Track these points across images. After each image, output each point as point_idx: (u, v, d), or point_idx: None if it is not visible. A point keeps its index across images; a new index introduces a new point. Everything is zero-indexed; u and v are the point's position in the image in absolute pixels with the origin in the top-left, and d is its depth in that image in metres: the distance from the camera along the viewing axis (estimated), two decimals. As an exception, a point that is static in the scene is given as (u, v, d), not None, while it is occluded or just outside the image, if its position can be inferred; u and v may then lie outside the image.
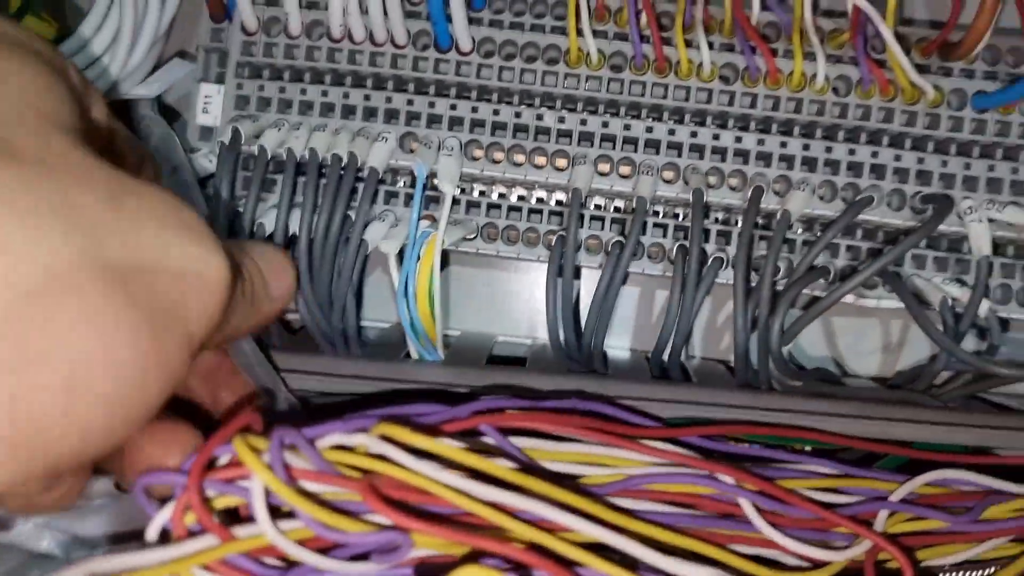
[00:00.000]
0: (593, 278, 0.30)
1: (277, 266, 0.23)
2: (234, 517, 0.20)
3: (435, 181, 0.29)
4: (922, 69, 0.29)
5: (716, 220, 0.31)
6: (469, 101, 0.30)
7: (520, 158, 0.30)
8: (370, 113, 0.30)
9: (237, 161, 0.29)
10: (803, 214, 0.29)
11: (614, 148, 0.30)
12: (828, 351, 0.33)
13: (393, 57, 0.30)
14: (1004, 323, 0.31)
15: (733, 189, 0.29)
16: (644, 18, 0.29)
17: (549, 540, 0.20)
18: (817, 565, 0.24)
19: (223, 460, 0.20)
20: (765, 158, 0.29)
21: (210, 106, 0.31)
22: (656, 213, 0.31)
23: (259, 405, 0.25)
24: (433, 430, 0.21)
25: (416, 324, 0.29)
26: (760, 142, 0.29)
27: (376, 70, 0.30)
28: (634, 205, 0.28)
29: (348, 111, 0.30)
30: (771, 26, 0.30)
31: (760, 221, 0.30)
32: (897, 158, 0.29)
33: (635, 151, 0.30)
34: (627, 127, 0.30)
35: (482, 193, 0.32)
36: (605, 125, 0.30)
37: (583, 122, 0.30)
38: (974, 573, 0.25)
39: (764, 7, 0.29)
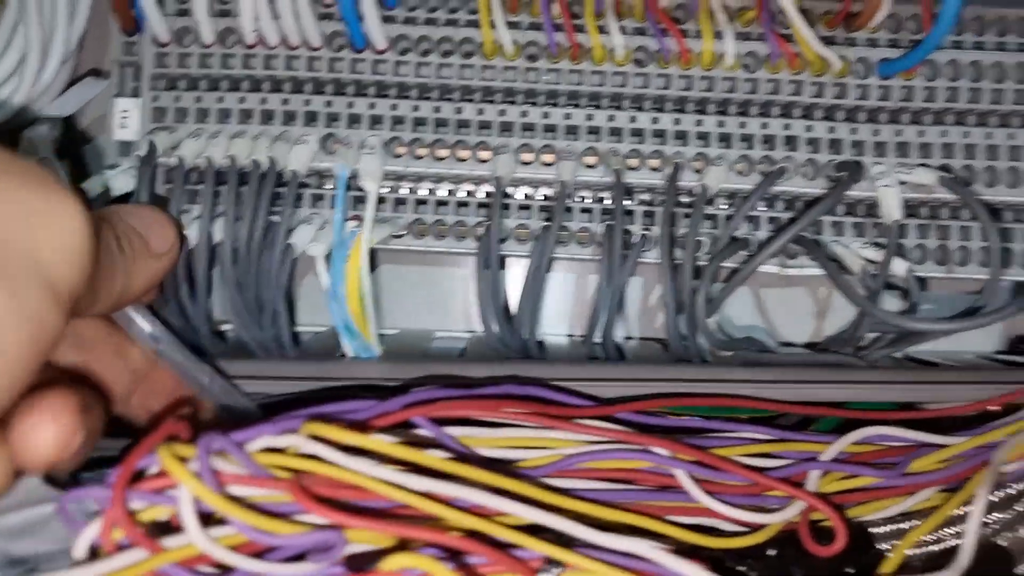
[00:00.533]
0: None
1: (154, 222, 0.23)
2: (170, 527, 0.20)
3: (359, 181, 0.29)
4: (828, 41, 0.30)
5: (641, 202, 0.31)
6: (388, 99, 0.30)
7: (443, 152, 0.30)
8: (289, 117, 0.30)
9: (154, 175, 0.29)
10: (724, 189, 0.30)
11: (535, 137, 0.30)
12: (760, 322, 0.34)
13: (308, 60, 0.30)
14: (923, 282, 0.32)
15: (654, 169, 0.30)
16: (556, 7, 0.29)
17: (484, 525, 0.20)
18: (753, 529, 0.25)
19: (153, 470, 0.20)
20: (682, 137, 0.30)
21: (128, 121, 0.31)
22: (583, 199, 0.32)
23: (191, 410, 0.25)
24: (363, 426, 0.21)
25: (349, 325, 0.29)
26: (676, 121, 0.30)
27: (292, 74, 0.30)
28: (557, 190, 0.29)
29: (267, 116, 0.30)
30: (680, 8, 0.30)
31: (685, 201, 0.30)
32: (809, 129, 0.30)
33: (555, 138, 0.30)
34: (546, 115, 0.30)
35: (410, 190, 0.32)
36: (524, 115, 0.30)
37: (502, 113, 0.30)
38: (904, 525, 0.26)
39: (672, -11, 0.30)
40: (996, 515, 0.25)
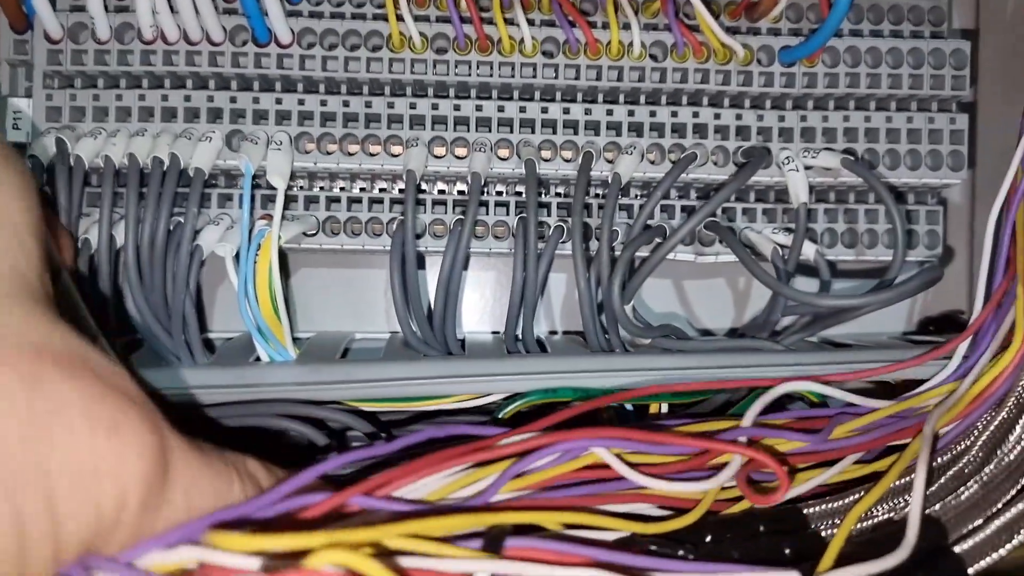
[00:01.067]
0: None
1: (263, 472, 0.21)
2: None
3: (267, 177, 0.28)
4: (733, 31, 0.31)
5: (556, 194, 0.31)
6: (295, 94, 0.30)
7: (354, 148, 0.30)
8: (192, 114, 0.29)
9: (71, 175, 0.27)
10: (638, 178, 0.30)
11: (447, 129, 0.30)
12: (681, 311, 0.34)
13: (211, 55, 0.29)
14: (834, 267, 0.33)
15: (567, 160, 0.30)
16: (463, 0, 0.29)
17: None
18: (685, 510, 0.24)
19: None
20: (594, 127, 0.30)
21: (20, 122, 0.29)
22: (500, 193, 0.32)
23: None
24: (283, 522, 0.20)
25: (262, 326, 0.28)
26: (587, 112, 0.30)
27: (194, 69, 0.29)
28: (469, 182, 0.29)
29: (169, 114, 0.29)
30: (588, 0, 0.31)
31: (603, 192, 0.31)
32: (717, 116, 0.30)
33: (468, 131, 0.30)
34: (457, 107, 0.30)
35: (321, 188, 0.31)
36: (435, 107, 0.30)
37: (412, 106, 0.30)
38: (835, 504, 0.26)
39: (579, -19, 0.30)
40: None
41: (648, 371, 0.27)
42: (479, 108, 0.30)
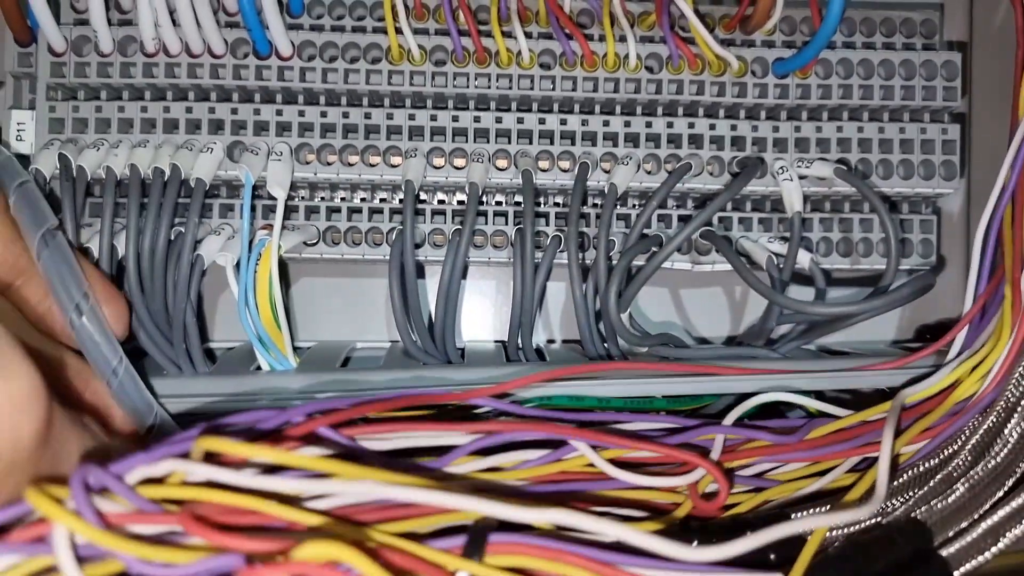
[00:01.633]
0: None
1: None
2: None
3: (267, 188, 0.29)
4: (728, 43, 0.31)
5: (555, 204, 0.32)
6: (295, 105, 0.30)
7: (353, 158, 0.30)
8: (194, 125, 0.30)
9: (75, 189, 0.28)
10: (635, 188, 0.30)
11: (445, 140, 0.30)
12: (679, 319, 0.34)
13: (212, 67, 0.30)
14: (829, 275, 0.33)
15: (564, 170, 0.30)
16: (462, 13, 0.30)
17: (382, 538, 0.19)
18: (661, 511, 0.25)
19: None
20: (591, 138, 0.30)
21: (24, 133, 0.30)
22: (499, 203, 0.32)
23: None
24: (264, 438, 0.21)
25: (263, 335, 0.29)
26: (584, 123, 0.30)
27: (196, 82, 0.29)
28: (467, 192, 0.29)
29: (171, 125, 0.30)
30: (585, 13, 0.31)
31: (599, 203, 0.31)
32: (712, 127, 0.30)
33: (466, 142, 0.30)
34: (455, 119, 0.30)
35: (322, 198, 0.31)
36: (434, 119, 0.30)
37: (411, 117, 0.30)
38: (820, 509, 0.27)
39: (576, -5, 0.31)
40: (913, 492, 0.26)
41: (645, 379, 0.28)
42: (477, 119, 0.30)
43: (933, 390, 0.27)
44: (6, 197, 0.25)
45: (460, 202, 0.32)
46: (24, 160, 0.30)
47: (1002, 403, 0.26)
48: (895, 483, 0.26)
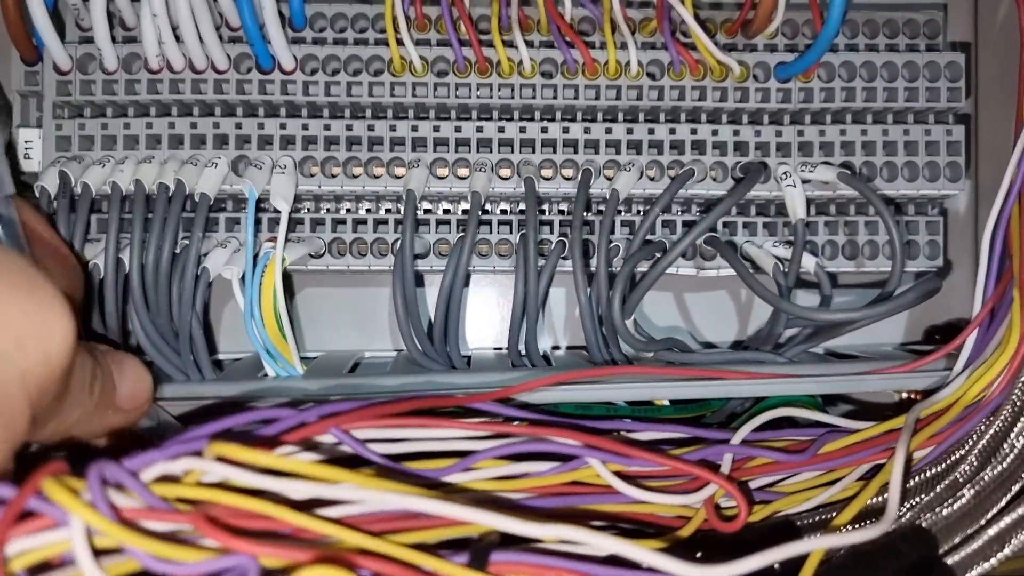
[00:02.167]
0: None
1: (132, 377, 0.24)
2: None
3: (271, 201, 0.29)
4: (729, 48, 0.31)
5: (560, 211, 0.32)
6: (299, 119, 0.30)
7: (357, 170, 0.30)
8: (199, 140, 0.30)
9: (72, 207, 0.28)
10: (638, 195, 0.30)
11: (448, 151, 0.30)
12: (685, 324, 0.34)
13: (216, 83, 0.30)
14: (835, 278, 0.33)
15: (567, 178, 0.30)
16: (463, 24, 0.30)
17: (390, 547, 0.19)
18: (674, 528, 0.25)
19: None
20: (593, 145, 0.30)
21: (31, 151, 0.30)
22: (504, 211, 0.32)
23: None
24: (275, 441, 0.21)
25: (269, 347, 0.29)
26: (587, 130, 0.30)
27: (200, 97, 0.30)
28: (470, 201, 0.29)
29: (176, 141, 0.30)
30: (586, 20, 0.31)
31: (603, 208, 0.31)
32: (715, 133, 0.30)
33: (469, 151, 0.30)
34: (458, 129, 0.30)
35: (328, 210, 0.32)
36: (436, 129, 0.30)
37: (414, 128, 0.30)
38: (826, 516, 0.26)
39: (577, 3, 0.31)
40: (918, 498, 0.26)
41: (651, 383, 0.28)
42: (480, 129, 0.30)
43: (947, 402, 0.26)
44: None
45: (465, 211, 0.32)
46: (32, 178, 0.30)
47: (1008, 407, 0.25)
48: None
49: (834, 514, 0.26)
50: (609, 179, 0.30)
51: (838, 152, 0.31)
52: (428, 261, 0.31)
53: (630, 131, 0.30)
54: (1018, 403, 0.25)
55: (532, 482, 0.25)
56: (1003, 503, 0.23)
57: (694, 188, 0.30)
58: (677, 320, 0.34)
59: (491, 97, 0.30)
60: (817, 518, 0.26)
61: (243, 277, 0.28)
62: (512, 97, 0.30)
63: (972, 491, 0.23)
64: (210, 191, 0.29)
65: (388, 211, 0.32)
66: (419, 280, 0.33)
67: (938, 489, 0.25)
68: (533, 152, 0.30)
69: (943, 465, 0.26)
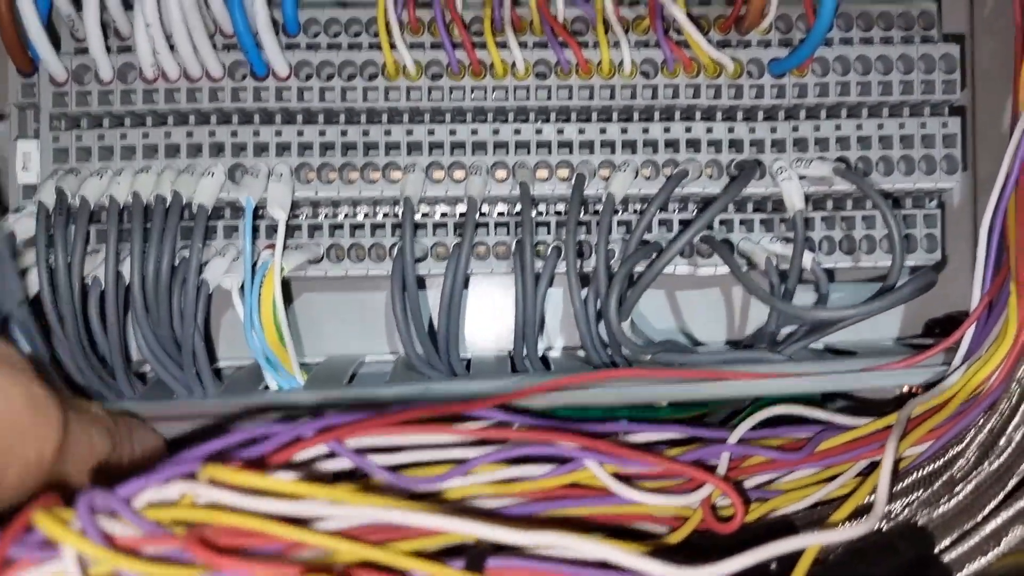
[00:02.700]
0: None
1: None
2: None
3: (268, 209, 0.29)
4: (723, 44, 0.31)
5: (556, 212, 0.32)
6: (294, 125, 0.30)
7: (354, 176, 0.30)
8: (195, 149, 0.30)
9: (67, 222, 0.28)
10: (634, 194, 0.30)
11: (444, 154, 0.30)
12: (683, 323, 0.34)
13: (211, 91, 0.30)
14: (832, 273, 0.33)
15: (563, 180, 0.30)
16: (456, 26, 0.30)
17: (385, 555, 0.20)
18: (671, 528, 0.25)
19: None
20: (588, 146, 0.30)
21: (30, 163, 0.30)
22: (501, 213, 0.32)
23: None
24: (265, 461, 0.21)
25: (269, 356, 0.29)
26: (581, 131, 0.30)
27: (196, 106, 0.30)
28: (466, 205, 0.29)
29: (173, 150, 0.30)
30: (580, 20, 0.31)
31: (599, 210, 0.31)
32: (709, 130, 0.30)
33: (464, 154, 0.30)
34: (452, 132, 0.30)
35: (325, 215, 0.32)
36: (431, 133, 0.30)
37: (409, 132, 0.30)
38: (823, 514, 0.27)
39: (569, 3, 0.30)
40: (916, 494, 0.26)
41: (650, 384, 0.28)
42: (475, 132, 0.30)
43: (943, 398, 0.26)
44: None
45: (462, 214, 0.32)
46: (30, 190, 0.30)
47: (1006, 401, 0.25)
48: (898, 486, 0.26)
49: (831, 512, 0.27)
50: (605, 179, 0.30)
51: (833, 147, 0.31)
52: (426, 265, 0.31)
53: (625, 131, 0.30)
54: (1015, 397, 0.25)
55: (529, 485, 0.25)
56: (999, 498, 0.23)
57: (690, 187, 0.30)
58: (675, 319, 0.34)
59: (485, 99, 0.30)
60: (815, 516, 0.27)
61: (242, 286, 0.29)
62: (506, 99, 0.30)
63: (968, 487, 0.24)
64: (207, 202, 0.29)
65: (385, 216, 0.32)
66: (418, 283, 0.33)
67: (935, 486, 0.25)
68: (528, 154, 0.30)
69: (941, 460, 0.26)
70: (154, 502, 0.19)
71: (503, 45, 0.30)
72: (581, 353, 0.32)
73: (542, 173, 0.30)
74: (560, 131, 0.30)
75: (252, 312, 0.28)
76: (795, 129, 0.31)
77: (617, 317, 0.28)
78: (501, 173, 0.31)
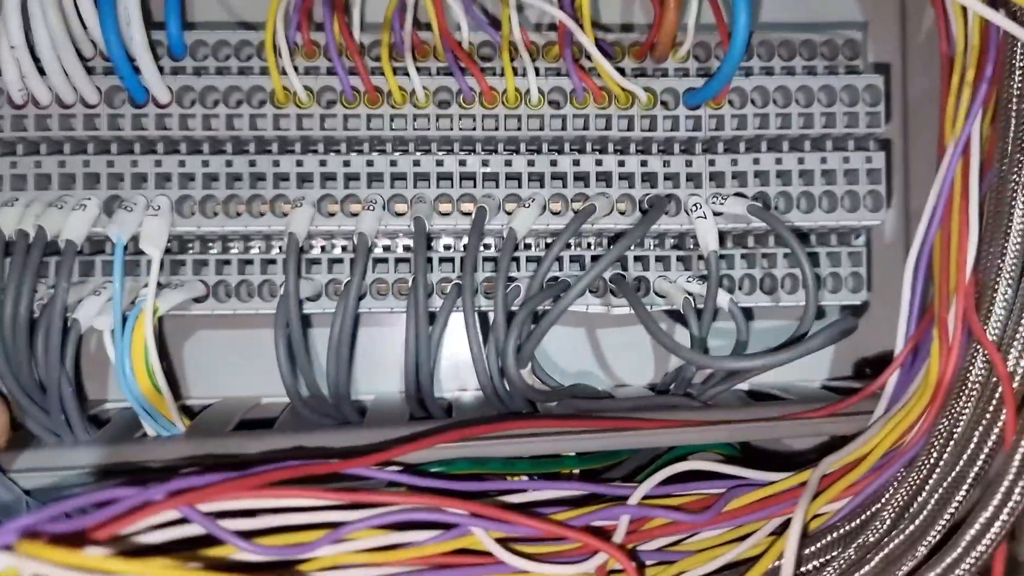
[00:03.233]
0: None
1: None
2: None
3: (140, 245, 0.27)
4: (639, 73, 0.30)
5: (457, 249, 0.30)
6: (176, 155, 0.28)
7: (240, 208, 0.28)
8: (69, 180, 0.28)
9: None
10: (542, 230, 0.29)
11: (337, 187, 0.28)
12: (601, 364, 0.32)
13: (86, 118, 0.28)
14: (750, 314, 0.31)
15: (465, 214, 0.29)
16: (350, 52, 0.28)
17: None
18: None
19: None
20: (493, 178, 0.29)
21: None
22: (407, 248, 0.30)
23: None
24: (80, 537, 0.19)
25: (144, 404, 0.27)
26: (485, 163, 0.29)
27: (69, 133, 0.28)
28: (355, 243, 0.27)
29: (44, 180, 0.28)
30: (487, 45, 0.29)
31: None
32: (621, 164, 0.29)
33: (360, 187, 0.28)
34: (347, 163, 0.28)
35: (212, 251, 0.30)
36: (323, 164, 0.28)
37: (299, 163, 0.28)
38: None
39: (474, 28, 0.29)
40: (831, 555, 0.24)
41: (553, 436, 0.26)
42: (371, 163, 0.28)
43: (863, 451, 0.25)
44: None
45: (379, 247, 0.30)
46: None
47: (924, 457, 0.24)
48: (812, 548, 0.24)
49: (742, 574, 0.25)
50: (509, 214, 0.28)
51: (752, 182, 0.29)
52: (320, 303, 0.29)
53: (531, 163, 0.29)
54: (934, 454, 0.24)
55: (412, 552, 0.23)
56: (908, 568, 0.21)
57: (602, 222, 0.29)
58: (590, 358, 0.32)
59: (383, 129, 0.28)
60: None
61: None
62: (405, 128, 0.28)
63: (880, 555, 0.22)
64: (77, 237, 0.27)
65: (278, 251, 0.30)
66: (308, 322, 0.31)
67: (849, 550, 0.24)
68: (429, 187, 0.29)
69: (858, 520, 0.24)
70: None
71: (402, 71, 0.28)
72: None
73: (444, 207, 0.29)
74: (462, 163, 0.29)
75: (123, 358, 0.26)
76: (712, 163, 0.29)
77: (515, 364, 0.26)
78: (400, 206, 0.29)
